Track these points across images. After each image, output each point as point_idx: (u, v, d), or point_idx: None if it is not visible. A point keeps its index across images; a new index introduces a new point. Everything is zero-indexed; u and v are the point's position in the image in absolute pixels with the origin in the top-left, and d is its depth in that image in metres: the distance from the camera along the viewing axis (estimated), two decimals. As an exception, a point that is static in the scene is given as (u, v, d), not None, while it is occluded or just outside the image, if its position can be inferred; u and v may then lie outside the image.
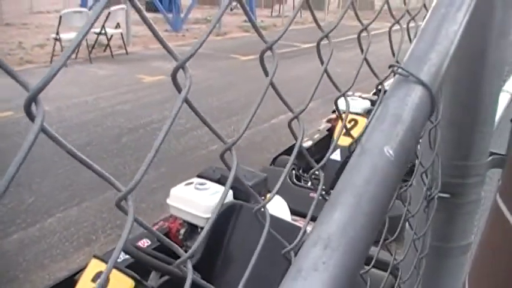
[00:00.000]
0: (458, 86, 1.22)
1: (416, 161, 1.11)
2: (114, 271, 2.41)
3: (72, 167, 5.83)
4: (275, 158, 5.53)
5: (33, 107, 0.39)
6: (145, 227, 0.50)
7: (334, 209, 0.59)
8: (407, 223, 1.19)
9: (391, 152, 0.64)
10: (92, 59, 11.72)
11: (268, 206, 0.71)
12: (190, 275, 0.58)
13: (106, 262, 2.49)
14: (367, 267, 1.12)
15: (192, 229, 3.76)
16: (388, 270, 1.15)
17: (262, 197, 4.00)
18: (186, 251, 2.00)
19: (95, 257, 2.56)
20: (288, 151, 5.55)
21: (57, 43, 11.02)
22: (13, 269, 4.12)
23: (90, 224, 4.83)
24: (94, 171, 0.43)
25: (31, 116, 0.40)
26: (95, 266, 2.50)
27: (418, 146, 1.16)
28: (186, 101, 0.49)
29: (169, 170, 5.85)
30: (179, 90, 0.50)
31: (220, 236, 3.40)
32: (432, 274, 1.38)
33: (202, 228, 3.63)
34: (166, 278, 2.92)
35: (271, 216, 0.67)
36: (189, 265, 0.59)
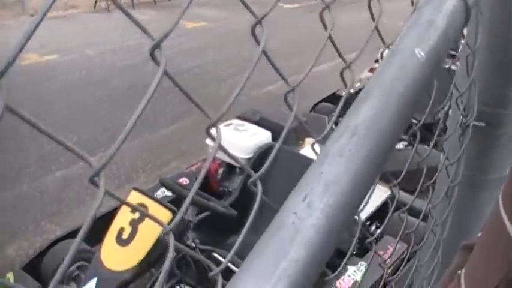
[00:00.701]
0: (497, 11, 1.19)
1: (452, 85, 1.11)
2: (153, 203, 2.47)
3: (113, 110, 5.94)
4: (315, 105, 5.51)
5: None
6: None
7: (362, 103, 0.60)
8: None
9: (422, 53, 0.65)
10: (134, 4, 11.74)
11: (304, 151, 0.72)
12: (260, 194, 0.61)
13: (145, 194, 2.55)
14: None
15: (230, 170, 3.81)
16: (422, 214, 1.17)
17: (301, 141, 4.02)
18: (223, 191, 2.05)
19: (135, 189, 2.63)
20: (328, 99, 5.52)
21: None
22: (56, 204, 4.26)
23: (131, 163, 4.94)
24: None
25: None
26: (135, 198, 2.56)
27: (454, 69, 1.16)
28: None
29: (211, 113, 5.87)
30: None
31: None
32: (464, 205, 1.38)
33: (240, 168, 3.68)
34: (202, 214, 2.99)
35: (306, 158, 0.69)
36: (259, 185, 0.62)
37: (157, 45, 0.46)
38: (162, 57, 0.47)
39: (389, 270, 2.94)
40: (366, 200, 0.91)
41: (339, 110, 0.76)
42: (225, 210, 2.67)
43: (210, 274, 0.54)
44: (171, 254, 0.53)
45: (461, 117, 1.20)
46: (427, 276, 1.36)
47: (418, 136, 1.12)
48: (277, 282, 0.47)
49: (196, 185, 0.55)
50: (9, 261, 3.71)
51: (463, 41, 1.17)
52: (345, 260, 1.20)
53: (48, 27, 9.58)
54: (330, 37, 0.65)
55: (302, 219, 0.50)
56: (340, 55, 0.70)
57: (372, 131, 0.57)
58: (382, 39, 0.77)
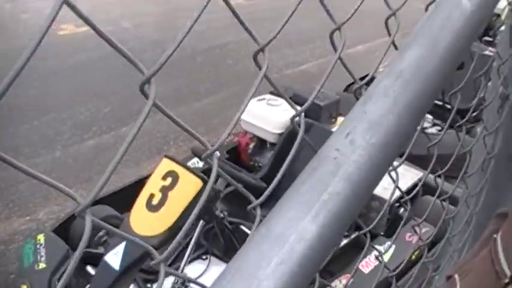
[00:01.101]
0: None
1: (494, 54, 1.09)
2: (184, 171, 2.48)
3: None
4: (348, 86, 5.47)
5: None
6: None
7: (408, 49, 0.60)
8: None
9: (468, 4, 0.64)
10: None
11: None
12: (302, 132, 0.61)
13: (177, 162, 2.56)
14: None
15: (261, 144, 3.82)
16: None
17: (333, 119, 4.00)
18: (253, 166, 2.06)
19: (166, 157, 2.64)
20: (361, 80, 5.47)
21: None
22: (88, 171, 4.32)
23: (163, 135, 4.97)
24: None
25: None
26: (166, 165, 2.57)
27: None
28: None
29: (243, 89, 5.88)
30: None
31: (288, 152, 3.41)
32: (500, 179, 1.36)
33: (271, 143, 3.68)
34: (232, 187, 3.00)
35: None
36: (303, 120, 0.62)
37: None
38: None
39: (416, 253, 2.93)
40: (408, 149, 0.91)
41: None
42: (255, 182, 2.67)
43: (249, 206, 0.55)
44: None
45: (501, 87, 1.18)
46: (459, 248, 1.35)
47: (450, 119, 1.11)
48: (317, 214, 0.47)
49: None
50: (41, 224, 3.79)
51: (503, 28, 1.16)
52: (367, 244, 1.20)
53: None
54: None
55: (344, 155, 0.50)
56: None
57: (417, 74, 0.57)
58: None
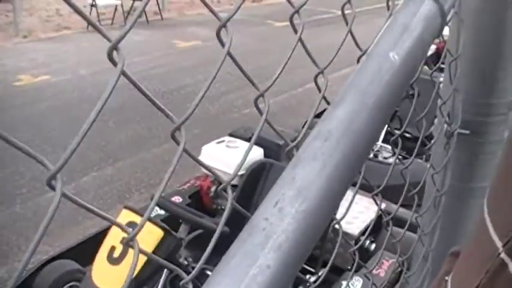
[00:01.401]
0: (480, 20, 1.20)
1: (434, 93, 1.10)
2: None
3: (106, 127, 5.95)
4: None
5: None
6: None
7: (337, 107, 0.60)
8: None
9: (396, 57, 0.65)
10: (126, 24, 11.76)
11: None
12: (230, 200, 0.61)
13: (136, 213, 2.54)
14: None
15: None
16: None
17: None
18: (216, 209, 2.05)
19: (126, 207, 2.61)
20: (320, 115, 5.53)
21: (93, 9, 11.13)
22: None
23: (125, 183, 4.93)
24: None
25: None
26: (126, 215, 2.55)
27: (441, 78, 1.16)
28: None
29: (203, 131, 5.89)
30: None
31: (250, 193, 3.43)
32: (452, 215, 1.37)
33: (233, 185, 3.67)
34: (195, 232, 2.97)
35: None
36: (229, 191, 0.62)
37: (114, 47, 0.46)
38: (120, 58, 0.47)
39: (385, 284, 2.93)
40: (348, 205, 0.90)
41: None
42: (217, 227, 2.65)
43: (182, 282, 0.53)
44: None
45: (445, 125, 1.19)
46: (417, 287, 1.35)
47: (398, 148, 1.12)
48: (247, 289, 0.46)
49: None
50: (2, 283, 3.69)
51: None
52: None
53: (41, 49, 9.62)
54: (302, 43, 0.64)
55: (273, 225, 0.49)
56: (314, 62, 0.70)
57: (346, 133, 0.56)
58: (357, 44, 0.77)
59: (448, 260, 0.85)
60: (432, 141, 1.22)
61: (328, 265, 1.08)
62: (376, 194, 1.06)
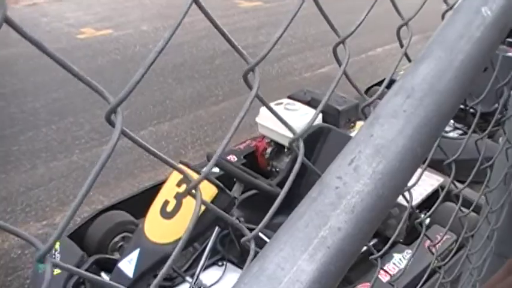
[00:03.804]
0: None
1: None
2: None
3: (165, 83, 5.97)
4: (368, 89, 5.40)
5: None
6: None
7: (421, 62, 0.54)
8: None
9: (489, 12, 0.58)
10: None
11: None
12: (301, 155, 0.57)
13: (192, 168, 2.52)
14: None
15: (279, 149, 3.76)
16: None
17: (352, 124, 3.94)
18: (270, 171, 2.00)
19: (181, 162, 2.61)
20: (381, 83, 5.42)
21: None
22: (105, 175, 4.29)
23: (181, 139, 4.94)
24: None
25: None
26: (181, 171, 2.53)
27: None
28: None
29: (262, 93, 5.84)
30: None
31: (307, 157, 3.36)
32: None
33: (289, 148, 3.63)
34: (249, 192, 2.96)
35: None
36: (301, 144, 0.58)
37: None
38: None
39: (435, 262, 2.86)
40: (420, 174, 0.85)
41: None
42: (272, 189, 2.62)
43: (243, 239, 0.50)
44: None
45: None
46: (479, 265, 1.29)
47: (474, 122, 1.06)
48: (315, 252, 0.42)
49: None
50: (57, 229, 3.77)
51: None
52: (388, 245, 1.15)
53: (105, 2, 9.69)
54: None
55: (347, 184, 0.45)
56: (398, 12, 0.64)
57: (430, 92, 0.51)
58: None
59: None
60: (507, 115, 1.14)
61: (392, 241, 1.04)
62: (441, 168, 1.01)
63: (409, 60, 0.63)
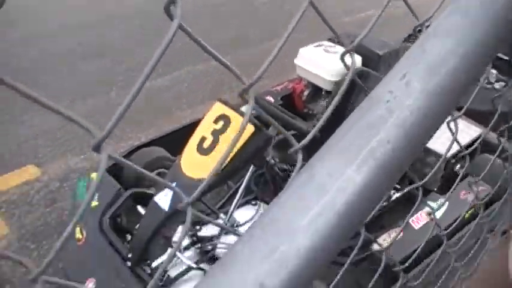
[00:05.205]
0: None
1: None
2: (236, 115, 2.44)
3: (205, 24, 5.94)
4: (409, 36, 5.29)
5: None
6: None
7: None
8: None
9: None
10: None
11: None
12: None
13: (229, 106, 2.52)
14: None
15: (316, 91, 3.72)
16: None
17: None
18: (307, 113, 1.97)
19: (219, 100, 2.60)
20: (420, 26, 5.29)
21: None
22: (140, 113, 4.32)
23: (219, 79, 4.94)
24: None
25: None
26: (218, 108, 2.54)
27: None
28: None
29: (308, 36, 5.78)
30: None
31: (344, 101, 3.34)
32: None
33: (326, 91, 3.59)
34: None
35: None
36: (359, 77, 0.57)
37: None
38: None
39: (470, 211, 2.84)
40: (469, 101, 0.84)
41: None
42: (309, 130, 2.61)
43: (290, 150, 0.50)
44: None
45: None
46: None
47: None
48: (363, 163, 0.42)
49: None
50: (95, 163, 3.84)
51: None
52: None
53: None
54: None
55: (398, 99, 0.44)
56: None
57: (487, 14, 0.50)
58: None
59: None
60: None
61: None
62: (482, 120, 0.99)
63: None
